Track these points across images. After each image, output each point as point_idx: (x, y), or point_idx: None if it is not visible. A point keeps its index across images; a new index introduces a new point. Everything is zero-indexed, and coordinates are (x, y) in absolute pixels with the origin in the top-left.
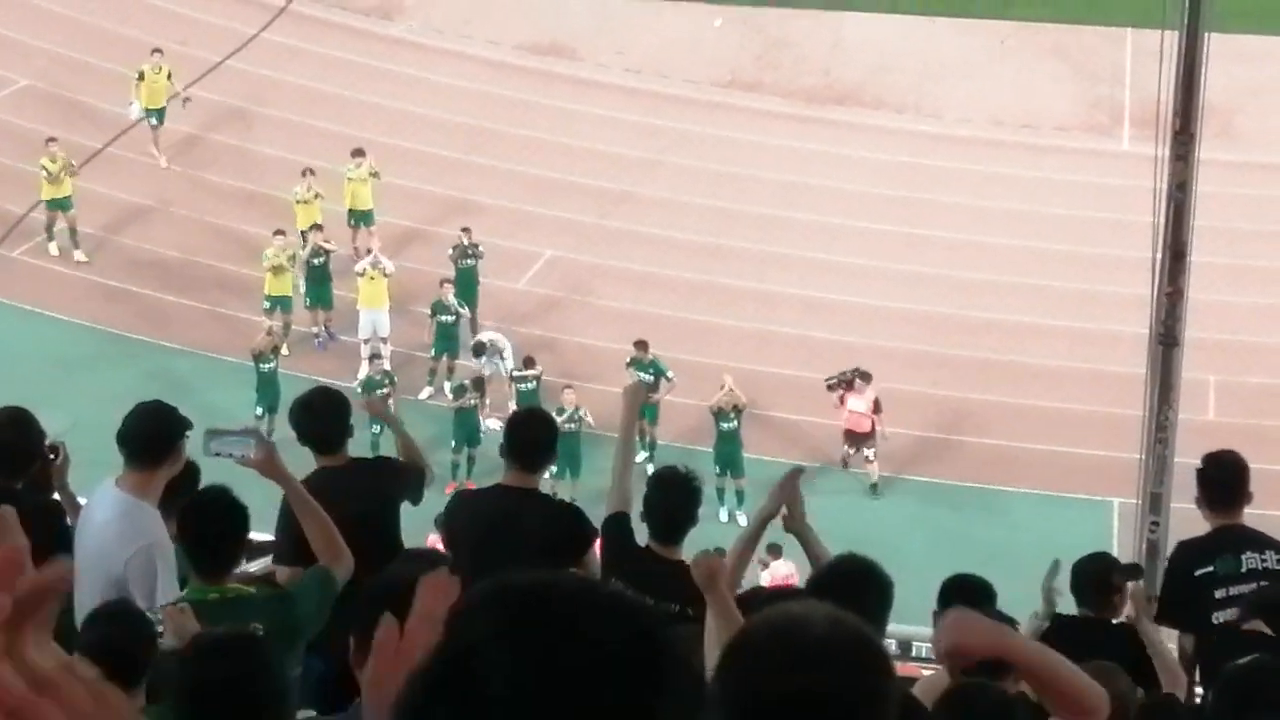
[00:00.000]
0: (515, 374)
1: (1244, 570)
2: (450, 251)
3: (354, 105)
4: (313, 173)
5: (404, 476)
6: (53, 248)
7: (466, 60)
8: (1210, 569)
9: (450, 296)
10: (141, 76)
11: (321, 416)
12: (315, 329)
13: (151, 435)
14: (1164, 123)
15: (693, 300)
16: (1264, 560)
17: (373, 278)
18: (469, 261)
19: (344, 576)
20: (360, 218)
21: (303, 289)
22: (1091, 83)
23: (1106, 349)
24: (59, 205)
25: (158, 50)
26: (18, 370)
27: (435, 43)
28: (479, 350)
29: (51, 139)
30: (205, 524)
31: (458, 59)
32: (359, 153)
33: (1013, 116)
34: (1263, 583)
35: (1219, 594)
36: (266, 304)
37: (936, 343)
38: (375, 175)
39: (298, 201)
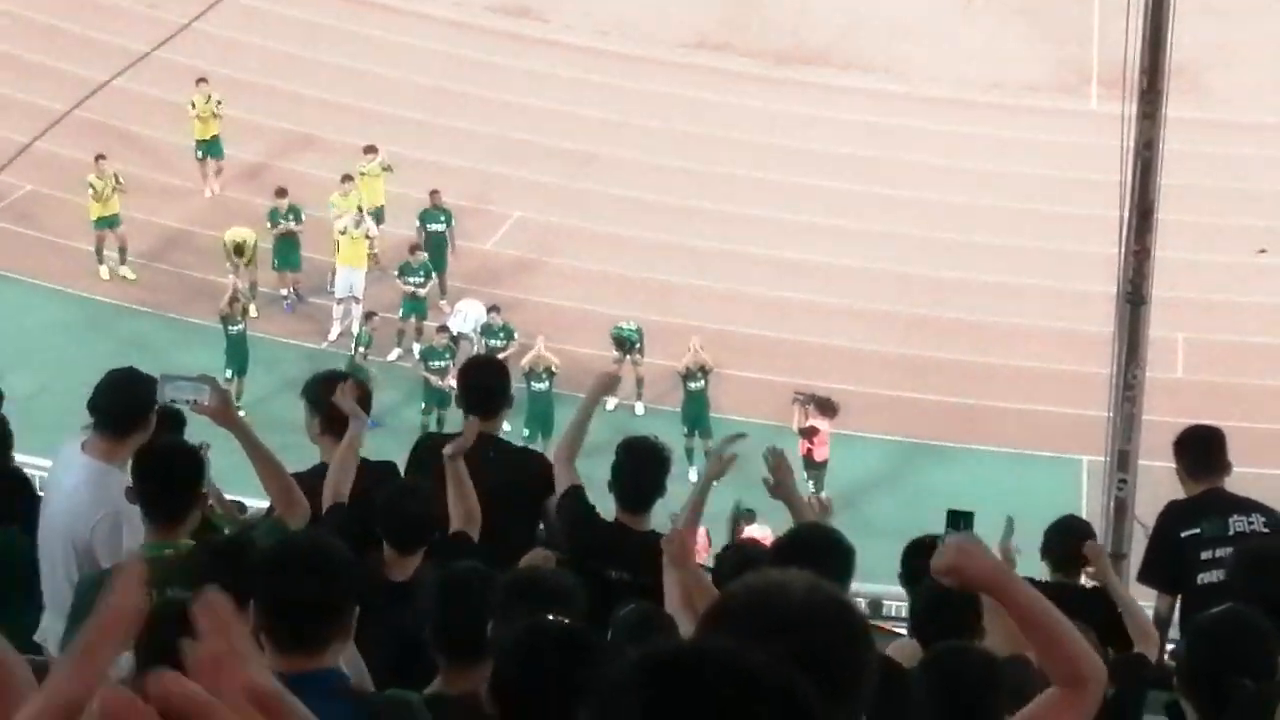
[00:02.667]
0: (483, 325)
1: (1231, 533)
2: (419, 214)
3: (320, 67)
4: (205, 80)
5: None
6: (104, 271)
7: (433, 21)
8: (1196, 530)
9: (418, 259)
10: (193, 106)
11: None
12: (284, 291)
13: (123, 404)
14: (1131, 81)
15: (661, 261)
16: (1250, 523)
17: (354, 238)
18: (438, 226)
19: (298, 525)
20: (375, 216)
21: (273, 252)
22: (1059, 42)
23: (1075, 307)
24: (107, 223)
25: (203, 79)
26: None
27: (402, 4)
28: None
29: (100, 156)
30: (158, 475)
31: (423, 19)
32: (371, 149)
33: (981, 76)
34: None
35: (1204, 555)
36: (230, 265)
37: (905, 302)
38: (388, 170)
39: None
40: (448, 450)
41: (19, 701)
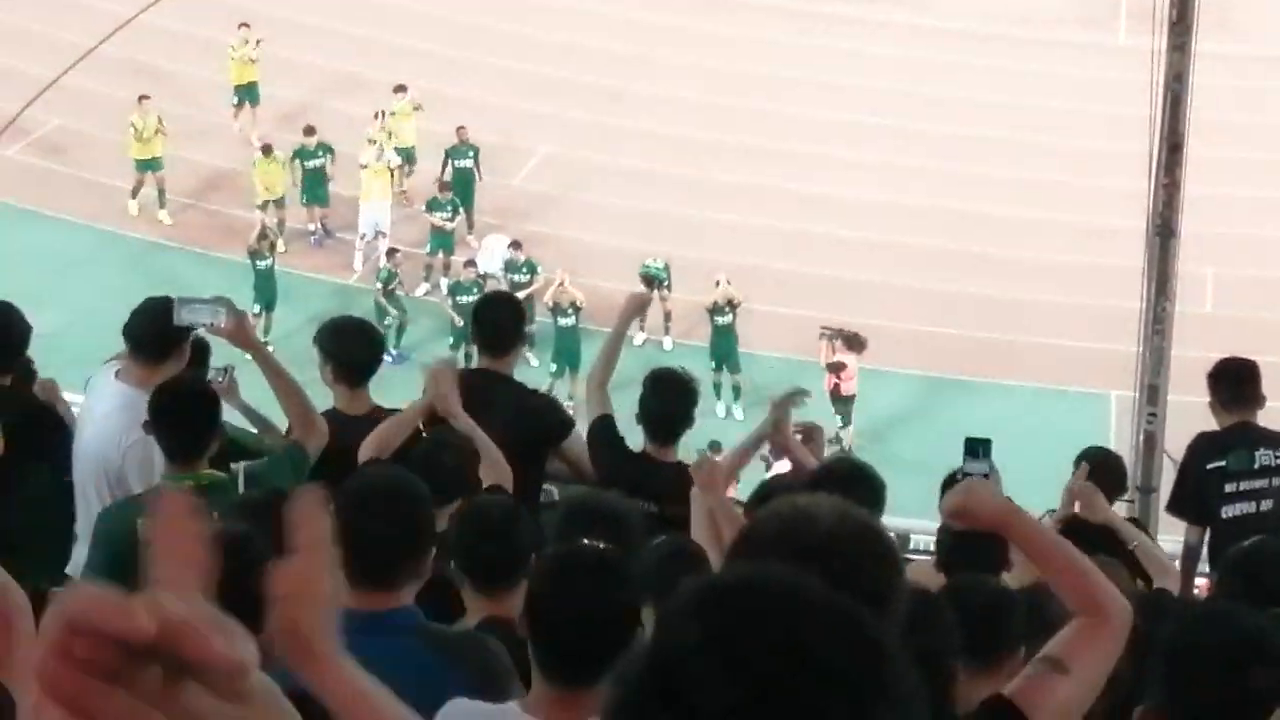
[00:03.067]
0: (507, 260)
1: (1256, 466)
2: (446, 150)
3: (350, 2)
4: (246, 25)
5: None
6: (133, 207)
7: None
8: (1222, 463)
9: (446, 195)
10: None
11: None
12: (311, 226)
13: (159, 331)
14: (1160, 14)
15: (688, 196)
16: (1278, 457)
17: (377, 171)
18: (465, 161)
19: (316, 449)
20: (405, 155)
21: (300, 189)
22: None
23: (1104, 241)
24: (148, 166)
25: (245, 24)
26: (15, 268)
27: None
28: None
29: (144, 96)
30: (176, 412)
31: None
32: (401, 88)
33: (1009, 10)
34: (1275, 480)
35: (1229, 488)
36: (260, 203)
37: (933, 236)
38: (419, 109)
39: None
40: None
41: (20, 640)
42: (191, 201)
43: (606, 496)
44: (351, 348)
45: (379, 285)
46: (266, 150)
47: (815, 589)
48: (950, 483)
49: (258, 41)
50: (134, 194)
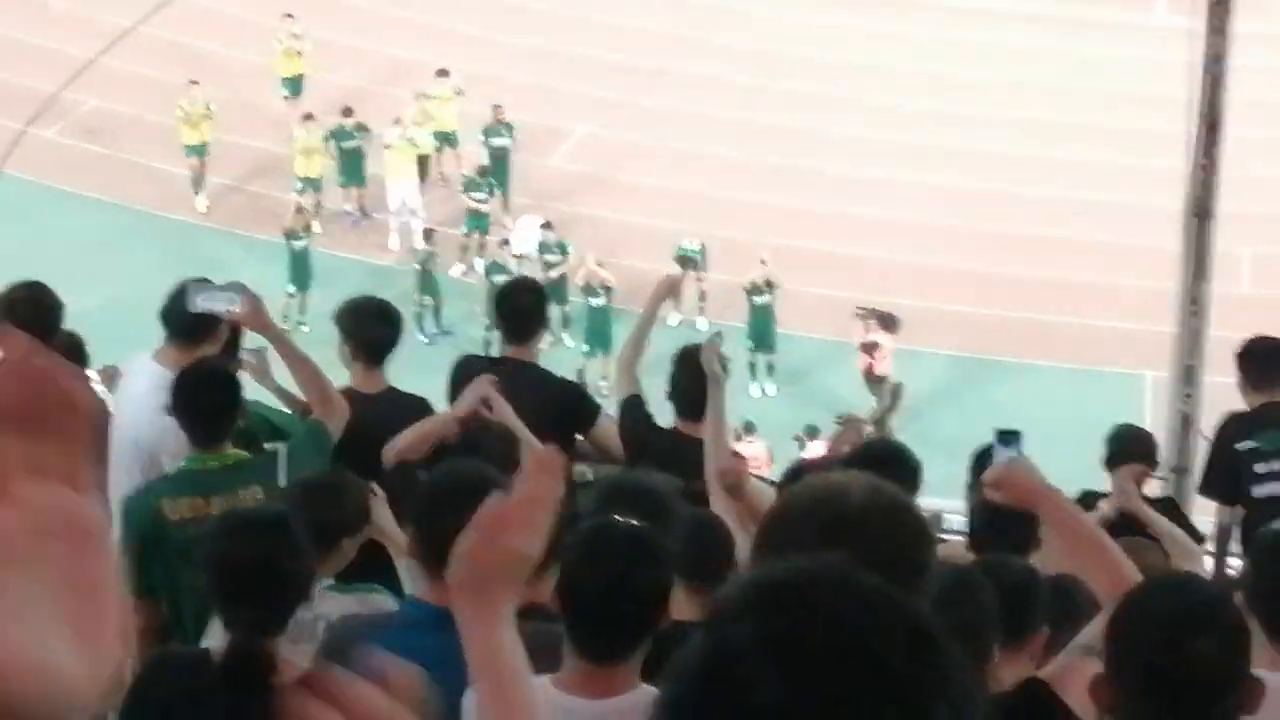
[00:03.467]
0: (540, 242)
1: None
2: (482, 130)
3: None
4: (291, 16)
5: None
6: (200, 202)
7: None
8: (1253, 443)
9: (483, 176)
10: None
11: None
12: (348, 207)
13: (193, 314)
14: None
15: (725, 177)
16: None
17: (400, 148)
18: (501, 141)
19: (337, 427)
20: (446, 139)
21: (337, 170)
22: None
23: (1140, 222)
24: (197, 151)
25: (289, 15)
26: (50, 248)
27: None
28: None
29: (193, 81)
30: (199, 397)
31: None
32: (443, 72)
33: None
34: None
35: (1259, 468)
36: (298, 185)
37: (969, 218)
38: (460, 93)
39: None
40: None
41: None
42: (233, 184)
43: (642, 475)
44: (369, 327)
45: (417, 266)
46: (308, 116)
47: (869, 583)
48: (981, 458)
49: (298, 35)
50: (195, 185)
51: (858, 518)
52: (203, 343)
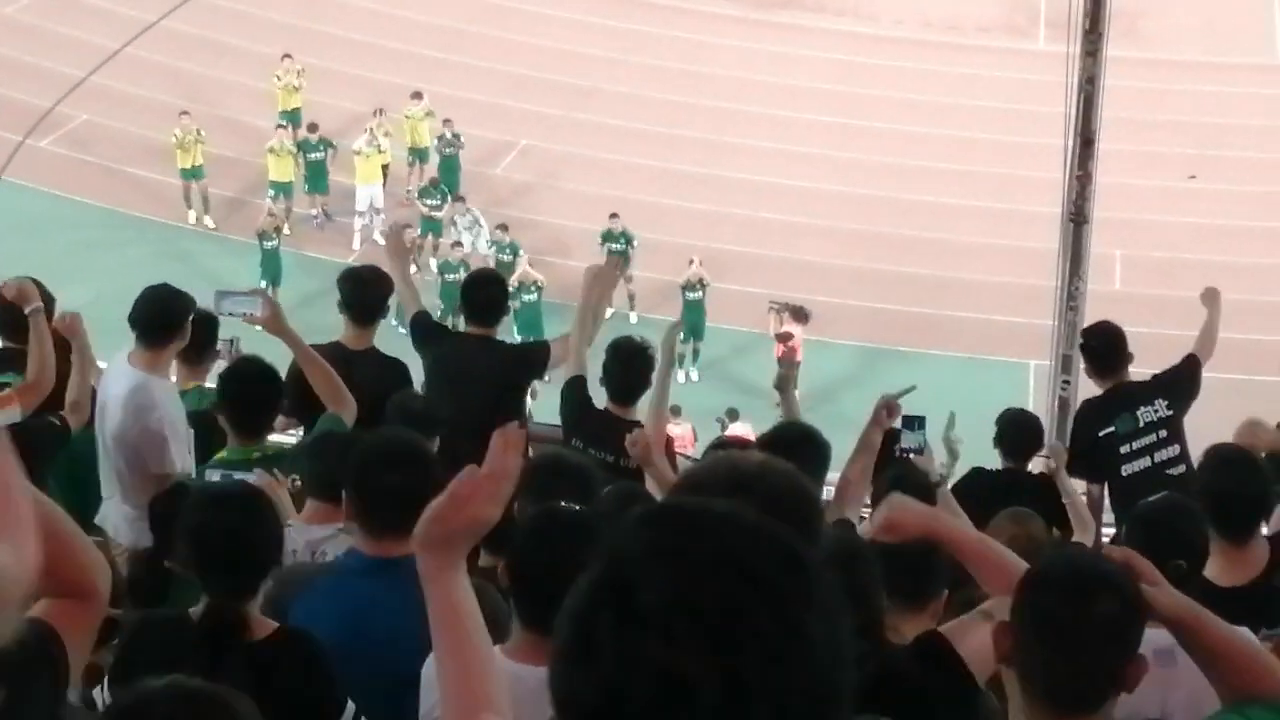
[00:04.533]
0: (489, 241)
1: (1141, 425)
2: (435, 141)
3: (348, 8)
4: (290, 57)
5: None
6: (191, 216)
7: None
8: (1111, 429)
9: (435, 184)
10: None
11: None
12: (314, 211)
13: (158, 316)
14: (1075, 24)
15: (653, 185)
16: (1155, 411)
17: (368, 155)
18: (451, 150)
19: (350, 420)
20: (419, 155)
21: (303, 178)
22: None
23: (1023, 226)
24: (191, 175)
25: (288, 55)
26: (43, 247)
27: None
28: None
29: (184, 112)
30: (243, 390)
31: None
32: (417, 95)
33: (940, 19)
34: (1161, 432)
35: (1124, 449)
36: (271, 191)
37: (871, 222)
38: (431, 115)
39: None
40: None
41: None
42: (213, 191)
43: (568, 455)
44: (357, 290)
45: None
46: (280, 126)
47: (748, 513)
48: (890, 439)
49: (299, 71)
50: (187, 202)
51: (753, 476)
52: (169, 344)
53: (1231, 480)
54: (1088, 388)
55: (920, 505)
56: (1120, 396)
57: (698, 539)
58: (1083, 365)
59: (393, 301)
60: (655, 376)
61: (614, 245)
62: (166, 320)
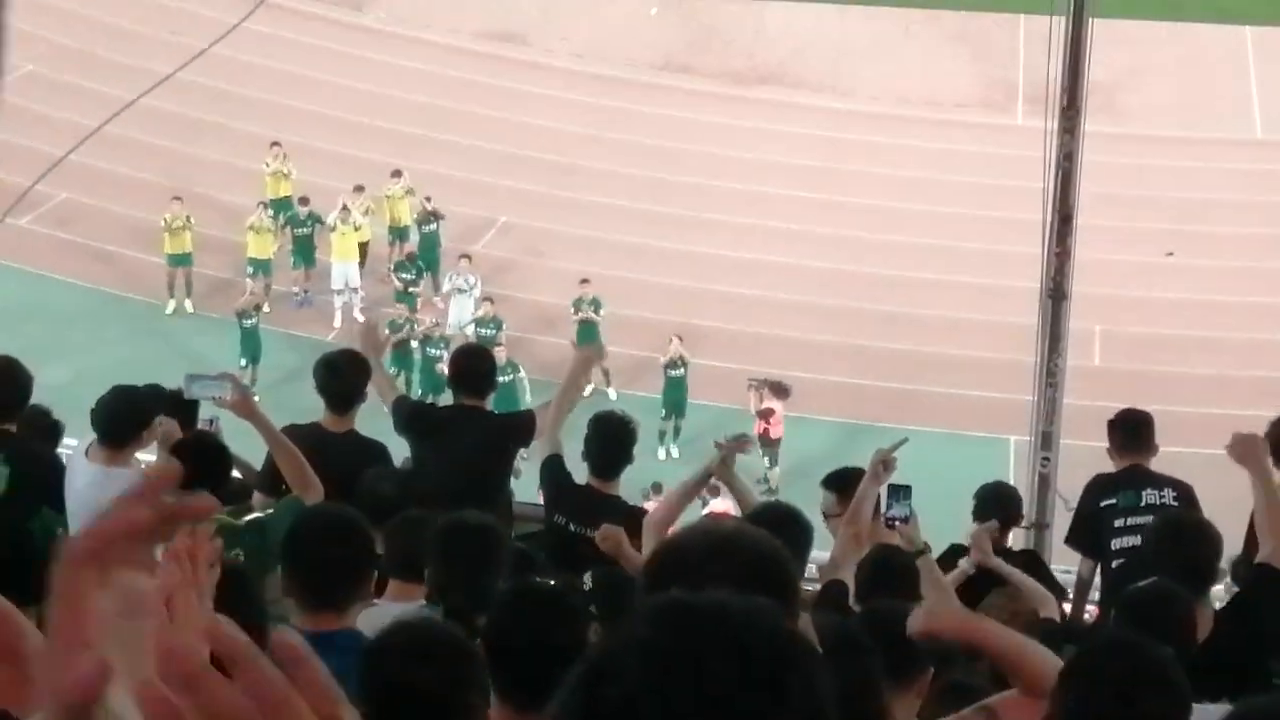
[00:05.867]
0: (476, 320)
1: (1143, 504)
2: (414, 216)
3: (327, 87)
4: (278, 144)
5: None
6: (170, 306)
7: (428, 46)
8: (1114, 501)
9: (412, 259)
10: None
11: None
12: (295, 288)
13: (121, 419)
14: (1053, 99)
15: (633, 261)
16: (1162, 496)
17: (344, 233)
18: (431, 226)
19: (314, 503)
20: (399, 233)
21: (290, 252)
22: (988, 64)
23: (1002, 302)
24: (177, 261)
25: (277, 143)
26: (24, 326)
27: (400, 30)
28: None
29: (176, 198)
30: (193, 465)
31: (420, 45)
32: (397, 173)
33: (918, 95)
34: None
35: (1117, 523)
36: (250, 268)
37: (850, 297)
38: (411, 192)
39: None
40: None
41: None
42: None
43: (470, 517)
44: (333, 378)
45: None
46: (262, 204)
47: (737, 600)
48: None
49: (287, 157)
50: (170, 290)
51: (729, 542)
52: (129, 445)
53: (1181, 549)
54: (1067, 464)
55: (958, 609)
56: (1131, 475)
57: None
58: (1105, 448)
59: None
60: (554, 402)
61: (585, 314)
62: (127, 425)
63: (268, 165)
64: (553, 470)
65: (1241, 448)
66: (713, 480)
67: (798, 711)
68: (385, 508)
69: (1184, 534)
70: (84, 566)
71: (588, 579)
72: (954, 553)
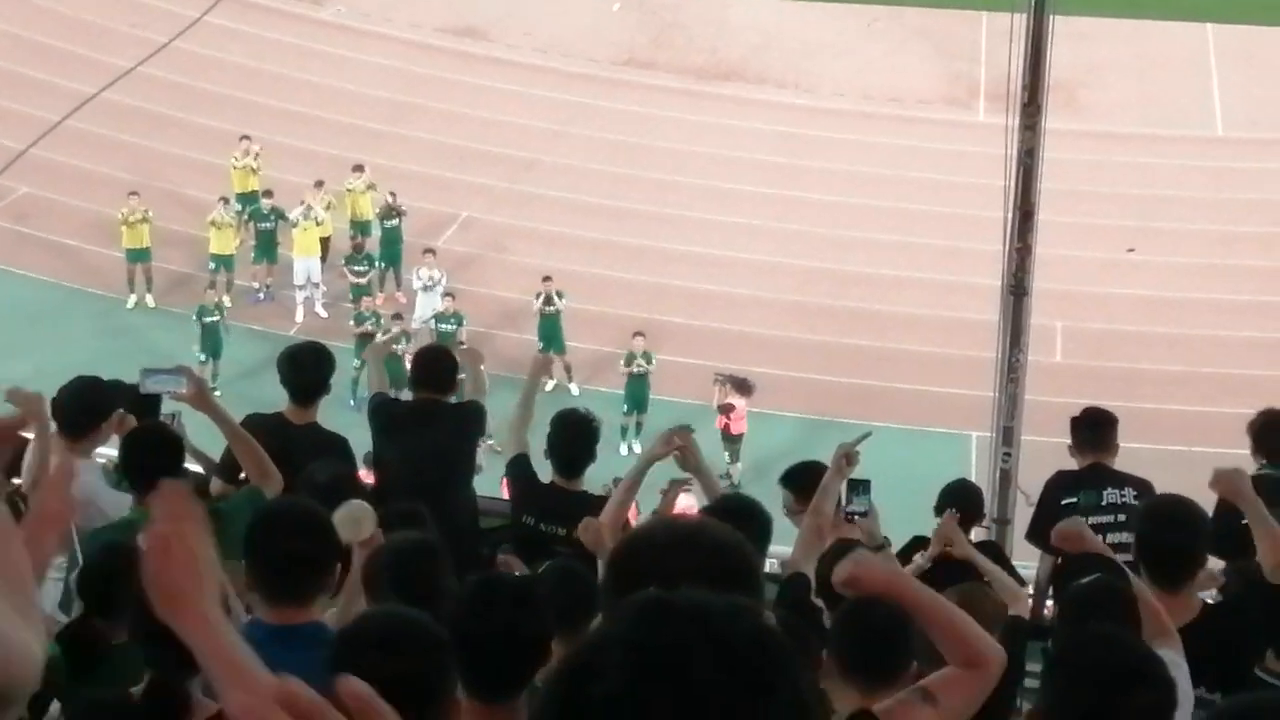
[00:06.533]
0: (436, 315)
1: (1104, 503)
2: (376, 211)
3: (289, 82)
4: (249, 139)
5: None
6: (131, 301)
7: (390, 41)
8: (1075, 499)
9: (364, 252)
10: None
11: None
12: (257, 284)
13: (82, 411)
14: (1014, 96)
15: (595, 257)
16: (1123, 495)
17: (306, 229)
18: (394, 221)
19: (273, 494)
20: (360, 228)
21: (252, 247)
22: (950, 60)
23: (964, 298)
24: (136, 256)
25: (246, 137)
26: None
27: (362, 25)
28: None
29: (133, 192)
30: (144, 456)
31: (382, 40)
32: (359, 168)
33: (881, 91)
34: (1120, 516)
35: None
36: (212, 264)
37: (812, 293)
38: (373, 187)
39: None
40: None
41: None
42: (156, 264)
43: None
44: (294, 372)
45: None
46: (224, 199)
47: (712, 597)
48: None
49: (257, 154)
50: (130, 285)
51: (693, 532)
52: (88, 435)
53: (1167, 532)
54: (1028, 460)
55: (886, 564)
56: (1093, 473)
57: (674, 634)
58: (1068, 445)
59: (339, 379)
60: (518, 403)
61: (546, 307)
62: (87, 416)
63: (236, 160)
64: (519, 469)
65: (1225, 484)
66: (682, 473)
67: (783, 707)
68: (321, 497)
69: (1169, 520)
70: None
71: (542, 570)
72: (914, 544)
